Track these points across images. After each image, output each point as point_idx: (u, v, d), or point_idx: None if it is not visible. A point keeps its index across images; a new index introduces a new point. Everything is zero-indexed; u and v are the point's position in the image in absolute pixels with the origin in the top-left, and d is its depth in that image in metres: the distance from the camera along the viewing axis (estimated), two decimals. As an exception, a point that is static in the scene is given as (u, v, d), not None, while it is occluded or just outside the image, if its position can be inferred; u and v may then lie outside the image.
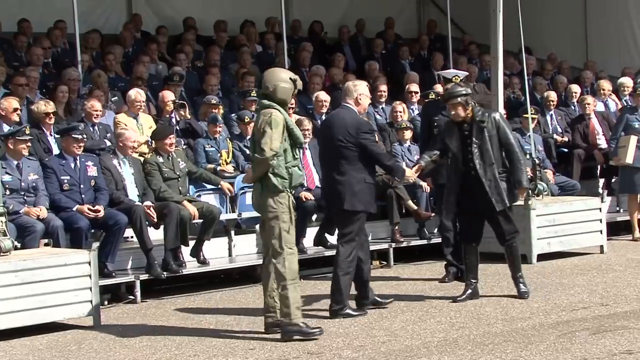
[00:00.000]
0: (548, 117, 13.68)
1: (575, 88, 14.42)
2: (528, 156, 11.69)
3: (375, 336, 7.13)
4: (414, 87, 12.98)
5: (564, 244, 10.88)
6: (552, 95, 13.85)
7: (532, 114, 12.00)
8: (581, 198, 11.53)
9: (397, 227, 10.84)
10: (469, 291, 8.43)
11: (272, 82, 7.22)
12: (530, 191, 10.97)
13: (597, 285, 8.90)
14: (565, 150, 13.35)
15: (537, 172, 11.27)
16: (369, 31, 16.62)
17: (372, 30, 16.64)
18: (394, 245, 10.79)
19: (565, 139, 13.39)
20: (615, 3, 17.01)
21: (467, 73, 10.25)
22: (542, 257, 10.55)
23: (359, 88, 8.03)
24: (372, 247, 10.67)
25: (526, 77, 13.02)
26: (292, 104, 11.26)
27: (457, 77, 9.32)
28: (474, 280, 8.48)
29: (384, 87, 12.98)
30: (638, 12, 16.85)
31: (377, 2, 17.07)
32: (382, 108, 12.87)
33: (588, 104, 13.33)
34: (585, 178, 13.05)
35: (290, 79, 7.25)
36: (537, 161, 11.40)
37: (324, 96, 11.80)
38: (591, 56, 17.24)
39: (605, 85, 14.43)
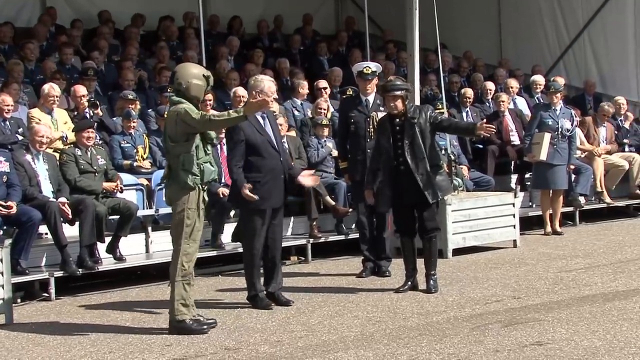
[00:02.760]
0: (464, 114, 13.91)
1: (490, 85, 14.70)
2: (444, 152, 11.89)
3: (292, 331, 7.16)
4: (323, 84, 13.05)
5: (479, 239, 11.09)
6: (469, 92, 14.09)
7: (442, 109, 12.16)
8: (495, 193, 11.76)
9: (315, 223, 10.89)
10: (409, 283, 8.61)
11: (185, 78, 7.18)
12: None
13: (510, 278, 9.09)
14: (480, 146, 13.59)
15: (453, 168, 11.46)
16: (287, 27, 16.65)
17: (291, 27, 16.68)
18: (311, 240, 10.83)
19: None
20: (528, 2, 17.40)
21: (380, 65, 10.34)
22: (457, 251, 10.73)
23: (259, 84, 8.08)
24: (290, 243, 10.78)
25: (442, 74, 13.20)
26: (209, 100, 11.22)
27: (368, 67, 9.54)
28: (413, 272, 8.62)
29: (303, 83, 13.00)
30: (550, 11, 17.28)
31: (295, -1, 17.14)
32: (300, 104, 12.90)
33: (502, 101, 13.60)
34: (499, 174, 13.31)
35: (203, 75, 7.22)
36: (452, 157, 11.60)
37: (241, 92, 11.77)
38: (505, 54, 17.62)
39: (513, 83, 14.72)
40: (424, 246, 8.61)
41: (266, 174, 7.99)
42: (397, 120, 8.45)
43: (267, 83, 8.08)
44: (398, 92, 8.40)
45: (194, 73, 7.25)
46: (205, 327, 7.20)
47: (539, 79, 14.98)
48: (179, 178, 7.09)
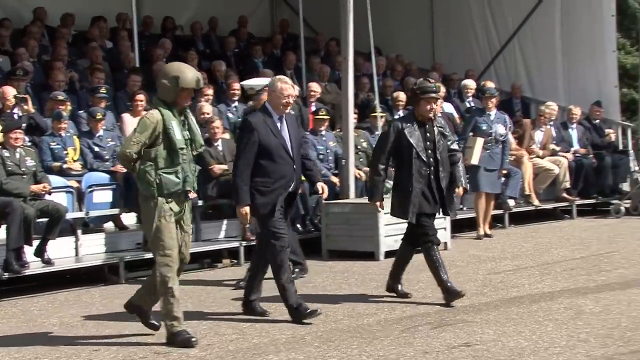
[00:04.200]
0: (396, 117, 14.00)
1: (422, 89, 14.81)
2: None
3: (223, 334, 7.13)
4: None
5: (410, 241, 11.15)
6: (401, 96, 14.22)
7: (380, 113, 12.27)
8: (427, 196, 11.85)
9: (247, 225, 10.87)
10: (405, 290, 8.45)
11: (159, 79, 6.87)
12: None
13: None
14: (414, 150, 13.67)
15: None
16: (221, 29, 16.60)
17: (225, 29, 16.63)
18: (244, 243, 10.81)
19: (412, 138, 13.73)
20: (460, 8, 17.65)
21: (268, 81, 10.27)
22: (390, 254, 10.79)
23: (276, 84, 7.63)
24: (222, 246, 10.75)
25: (375, 78, 13.29)
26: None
27: (252, 89, 9.64)
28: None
29: (236, 86, 12.98)
30: (481, 17, 17.56)
31: (230, 1, 17.08)
32: (234, 107, 12.87)
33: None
34: (431, 176, 13.42)
35: (173, 76, 6.72)
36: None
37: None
38: (438, 58, 17.83)
39: (441, 87, 14.84)
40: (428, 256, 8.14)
41: (276, 180, 7.43)
42: (427, 125, 8.07)
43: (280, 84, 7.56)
44: (435, 95, 8.06)
45: (165, 72, 6.87)
46: (193, 339, 6.82)
47: (470, 83, 15.20)
48: (140, 187, 6.87)
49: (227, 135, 11.79)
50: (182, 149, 6.74)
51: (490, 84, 13.64)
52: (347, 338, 6.87)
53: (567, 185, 14.35)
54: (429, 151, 8.01)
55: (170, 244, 6.76)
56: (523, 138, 14.19)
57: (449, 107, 14.64)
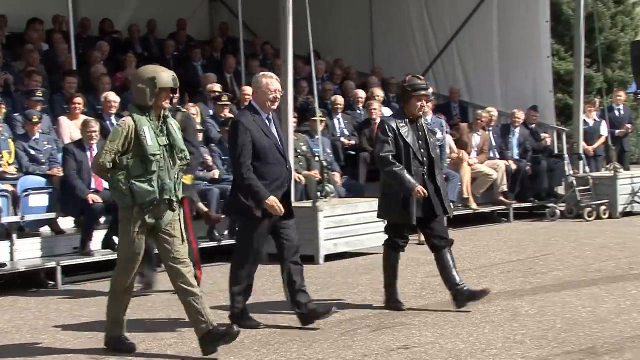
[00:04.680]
0: (335, 121, 14.09)
1: (361, 93, 14.92)
2: (317, 159, 12.03)
3: (162, 339, 7.09)
4: (217, 88, 13.07)
5: (350, 245, 11.24)
6: (339, 100, 14.27)
7: (320, 117, 12.30)
8: (366, 200, 11.90)
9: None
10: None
11: (133, 85, 6.63)
12: (319, 193, 11.33)
13: (380, 284, 9.15)
14: (352, 153, 13.78)
15: (325, 175, 11.61)
16: (160, 32, 16.47)
17: (164, 31, 16.51)
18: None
19: (352, 142, 13.82)
20: (399, 12, 17.79)
21: None
22: (329, 257, 10.86)
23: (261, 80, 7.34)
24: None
25: (315, 82, 13.31)
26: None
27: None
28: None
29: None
30: (420, 22, 17.72)
31: (169, 3, 16.98)
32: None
33: (374, 109, 13.82)
34: (371, 180, 13.51)
35: (148, 78, 6.48)
36: (325, 164, 11.74)
37: (113, 97, 11.56)
38: (377, 62, 17.93)
39: (378, 92, 14.86)
40: (442, 258, 7.94)
41: (271, 182, 7.14)
42: (418, 124, 7.86)
43: (266, 80, 7.25)
44: (425, 92, 7.82)
45: (138, 77, 6.60)
46: (132, 344, 6.73)
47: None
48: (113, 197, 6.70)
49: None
50: (154, 155, 6.44)
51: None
52: (287, 342, 6.87)
53: (505, 188, 14.56)
54: (422, 150, 7.81)
55: (132, 256, 6.55)
56: (460, 142, 14.36)
57: (388, 112, 14.73)
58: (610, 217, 14.41)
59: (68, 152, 10.22)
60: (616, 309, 7.71)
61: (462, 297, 7.78)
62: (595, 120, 16.17)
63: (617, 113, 16.64)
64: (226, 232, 11.09)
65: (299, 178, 12.02)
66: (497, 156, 14.88)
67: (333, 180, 12.12)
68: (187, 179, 8.04)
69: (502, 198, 14.56)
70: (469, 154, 14.34)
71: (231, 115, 12.08)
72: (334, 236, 11.02)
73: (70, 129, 11.34)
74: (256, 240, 7.26)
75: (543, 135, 15.81)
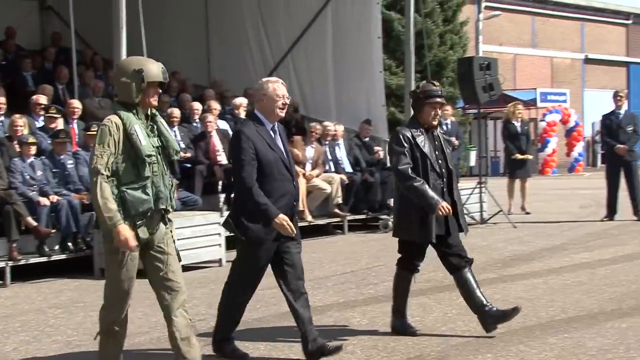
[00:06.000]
0: (172, 133, 13.93)
1: (197, 106, 14.87)
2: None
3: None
4: (43, 99, 12.67)
5: (186, 258, 10.92)
6: (175, 112, 14.16)
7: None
8: (201, 213, 11.89)
9: (14, 245, 10.44)
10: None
11: (116, 78, 5.71)
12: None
13: (215, 297, 9.04)
14: (188, 165, 13.71)
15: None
16: (-13, 40, 15.89)
17: (-9, 39, 15.94)
18: (11, 263, 10.38)
19: (188, 155, 13.75)
20: (235, 25, 17.86)
21: None
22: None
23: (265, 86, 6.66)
24: None
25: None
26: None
27: None
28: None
29: (2, 100, 12.44)
30: (256, 35, 17.85)
31: (-4, 11, 16.39)
32: (0, 121, 12.33)
33: (209, 122, 13.81)
34: (207, 193, 13.49)
35: (135, 70, 5.57)
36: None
37: None
38: (213, 74, 17.95)
39: (214, 104, 14.86)
40: (464, 279, 7.24)
41: (277, 199, 6.41)
42: (434, 133, 7.23)
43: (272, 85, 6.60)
44: (440, 99, 7.15)
45: (122, 69, 5.68)
46: None
47: (241, 101, 15.37)
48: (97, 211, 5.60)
49: None
50: (149, 156, 5.57)
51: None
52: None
53: (339, 201, 14.83)
54: (440, 161, 7.18)
55: (123, 283, 5.66)
56: (293, 155, 14.53)
57: (224, 124, 14.76)
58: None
59: None
60: (443, 317, 8.01)
61: (493, 320, 7.16)
62: (424, 134, 16.68)
63: (445, 127, 17.27)
64: (56, 247, 10.78)
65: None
66: (333, 169, 15.16)
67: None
68: None
69: (336, 210, 14.83)
70: (303, 166, 14.53)
71: (62, 127, 11.78)
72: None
73: None
74: (257, 267, 6.66)
75: (376, 148, 16.22)
